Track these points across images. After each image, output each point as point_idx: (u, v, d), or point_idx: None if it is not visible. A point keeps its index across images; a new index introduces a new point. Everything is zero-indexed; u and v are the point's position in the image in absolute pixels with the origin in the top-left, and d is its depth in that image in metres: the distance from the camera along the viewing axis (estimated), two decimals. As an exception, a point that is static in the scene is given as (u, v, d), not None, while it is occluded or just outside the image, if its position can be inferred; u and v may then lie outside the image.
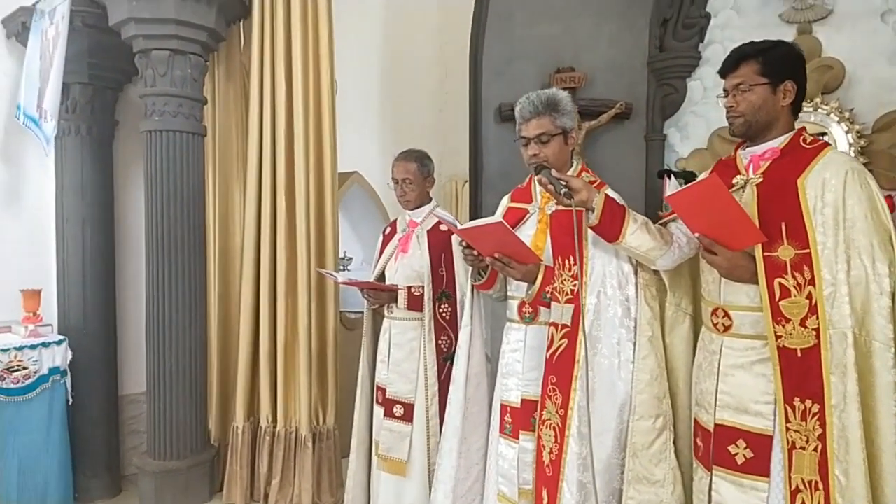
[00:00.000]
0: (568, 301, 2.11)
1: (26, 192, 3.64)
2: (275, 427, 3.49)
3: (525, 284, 2.25)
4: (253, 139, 3.52)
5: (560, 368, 2.10)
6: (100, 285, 3.68)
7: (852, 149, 4.48)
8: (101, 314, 3.68)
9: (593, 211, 1.97)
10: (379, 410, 2.93)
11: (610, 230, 1.98)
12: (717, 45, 5.08)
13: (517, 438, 2.27)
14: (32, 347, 3.23)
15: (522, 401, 2.27)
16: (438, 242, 2.81)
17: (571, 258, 2.10)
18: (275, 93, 3.49)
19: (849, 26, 4.62)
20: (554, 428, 2.10)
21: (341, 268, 4.27)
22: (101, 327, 3.68)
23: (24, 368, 3.19)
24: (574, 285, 2.09)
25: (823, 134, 4.36)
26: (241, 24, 3.70)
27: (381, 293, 2.88)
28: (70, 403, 3.39)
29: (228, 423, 3.68)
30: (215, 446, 3.65)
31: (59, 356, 3.33)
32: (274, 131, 3.49)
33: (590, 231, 2.06)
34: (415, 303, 2.81)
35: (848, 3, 4.60)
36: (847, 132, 4.57)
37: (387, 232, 3.09)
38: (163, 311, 3.34)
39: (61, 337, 3.39)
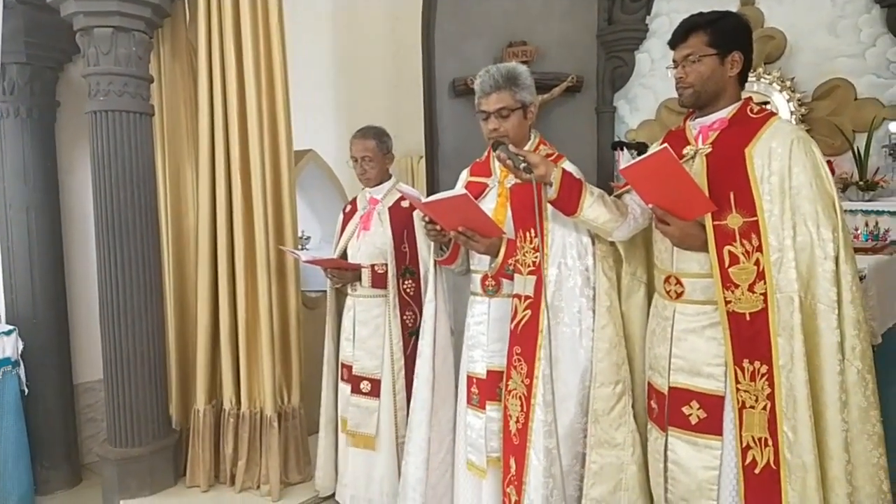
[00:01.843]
0: (530, 273, 2.15)
1: (-34, 179, 3.50)
2: (239, 408, 3.47)
3: (487, 258, 2.27)
4: (204, 118, 3.44)
5: (524, 339, 2.15)
6: (48, 272, 3.57)
7: (794, 116, 4.65)
8: (51, 302, 3.58)
9: (551, 185, 2.00)
10: (345, 387, 2.96)
11: (568, 204, 2.02)
12: (664, 18, 5.18)
13: (484, 409, 2.32)
14: (-20, 339, 3.14)
15: (488, 372, 2.32)
16: (400, 219, 2.82)
17: (532, 230, 2.14)
18: (224, 70, 3.40)
19: (790, -3, 4.76)
20: (520, 397, 2.15)
21: (300, 247, 4.23)
22: (52, 315, 3.59)
23: (-27, 361, 3.10)
24: (536, 257, 2.13)
25: (766, 103, 4.51)
26: (186, -1, 3.60)
27: (344, 272, 2.88)
28: (25, 394, 3.31)
29: (190, 407, 3.64)
30: (177, 430, 3.61)
31: (10, 347, 3.23)
32: (226, 110, 3.41)
33: (549, 204, 2.10)
34: (379, 280, 2.83)
35: (788, -26, 4.73)
36: (788, 100, 4.73)
37: (347, 210, 3.08)
38: (117, 296, 3.27)
39: (11, 327, 3.29)
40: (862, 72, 4.54)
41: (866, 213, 4.20)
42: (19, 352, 3.29)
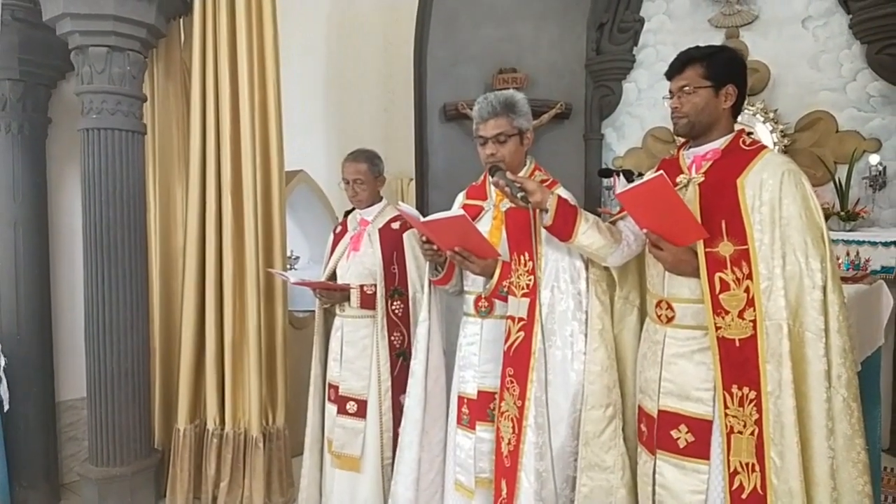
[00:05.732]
0: (524, 295, 2.17)
1: (-46, 194, 3.47)
2: (223, 429, 3.44)
3: (481, 279, 2.30)
4: (195, 138, 3.45)
5: (517, 360, 2.16)
6: (34, 289, 3.53)
7: (777, 147, 4.75)
8: (35, 319, 3.54)
9: (547, 212, 2.03)
10: (331, 408, 2.94)
11: (563, 230, 2.05)
12: (651, 49, 5.29)
13: (474, 429, 2.32)
14: (-38, 355, 3.09)
15: (479, 392, 2.33)
16: (390, 240, 2.84)
17: (527, 254, 2.17)
18: (218, 91, 3.42)
19: (773, 31, 4.89)
20: (512, 419, 2.16)
21: (289, 267, 4.23)
22: (36, 332, 3.55)
23: (-46, 377, 3.05)
24: (530, 280, 2.16)
25: (750, 133, 4.60)
26: (182, 20, 3.63)
27: (333, 293, 2.88)
28: (5, 411, 3.25)
29: (173, 427, 3.61)
30: (160, 450, 3.56)
31: (-8, 363, 3.20)
32: (218, 130, 3.43)
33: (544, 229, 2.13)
34: (367, 301, 2.83)
35: (772, 9, 4.88)
36: (772, 132, 4.83)
37: (337, 231, 3.10)
38: (102, 314, 3.24)
39: (-7, 343, 3.25)
40: (843, 105, 4.67)
41: (847, 242, 4.28)
42: (1, 368, 3.24)
